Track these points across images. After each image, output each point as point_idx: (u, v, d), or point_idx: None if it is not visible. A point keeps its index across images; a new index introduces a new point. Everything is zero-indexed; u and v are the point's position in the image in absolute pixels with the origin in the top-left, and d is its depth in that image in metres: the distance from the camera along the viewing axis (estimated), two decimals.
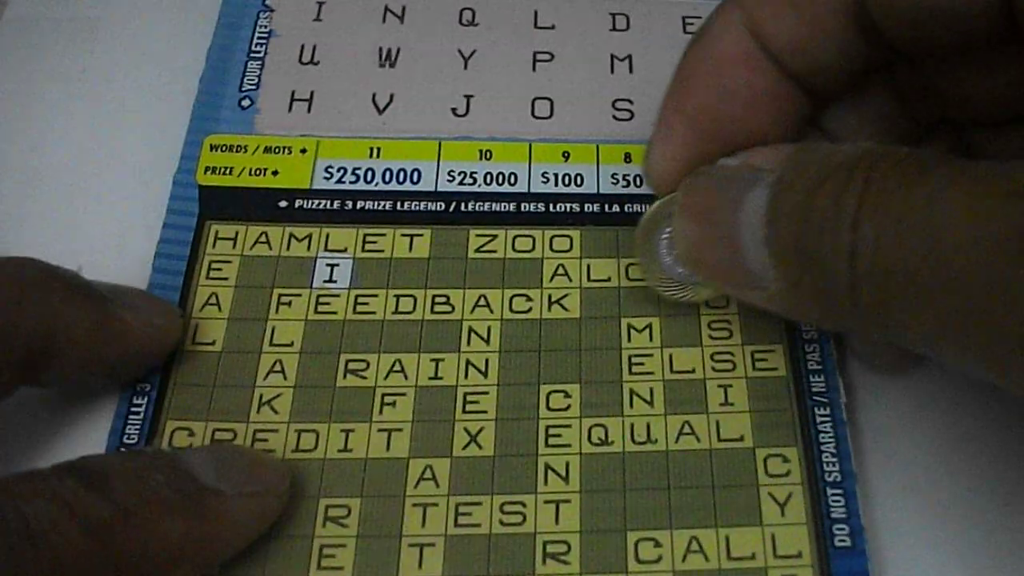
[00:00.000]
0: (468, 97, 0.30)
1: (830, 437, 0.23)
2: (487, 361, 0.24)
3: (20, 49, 0.31)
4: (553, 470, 0.23)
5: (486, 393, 0.24)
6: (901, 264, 0.16)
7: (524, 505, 0.22)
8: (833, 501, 0.22)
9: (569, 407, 0.24)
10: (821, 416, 0.23)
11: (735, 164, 0.20)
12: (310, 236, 0.27)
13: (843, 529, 0.22)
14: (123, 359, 0.23)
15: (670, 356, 0.24)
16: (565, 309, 0.25)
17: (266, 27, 0.31)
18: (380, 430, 0.23)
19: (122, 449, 0.23)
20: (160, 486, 0.20)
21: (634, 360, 0.24)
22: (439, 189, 0.27)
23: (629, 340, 0.25)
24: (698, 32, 0.22)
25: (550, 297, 0.25)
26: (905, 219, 0.16)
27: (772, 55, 0.20)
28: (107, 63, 0.31)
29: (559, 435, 0.23)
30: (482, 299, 0.25)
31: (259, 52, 0.30)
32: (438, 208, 0.27)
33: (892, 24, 0.19)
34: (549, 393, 0.24)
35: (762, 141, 0.21)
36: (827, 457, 0.23)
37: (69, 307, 0.22)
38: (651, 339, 0.25)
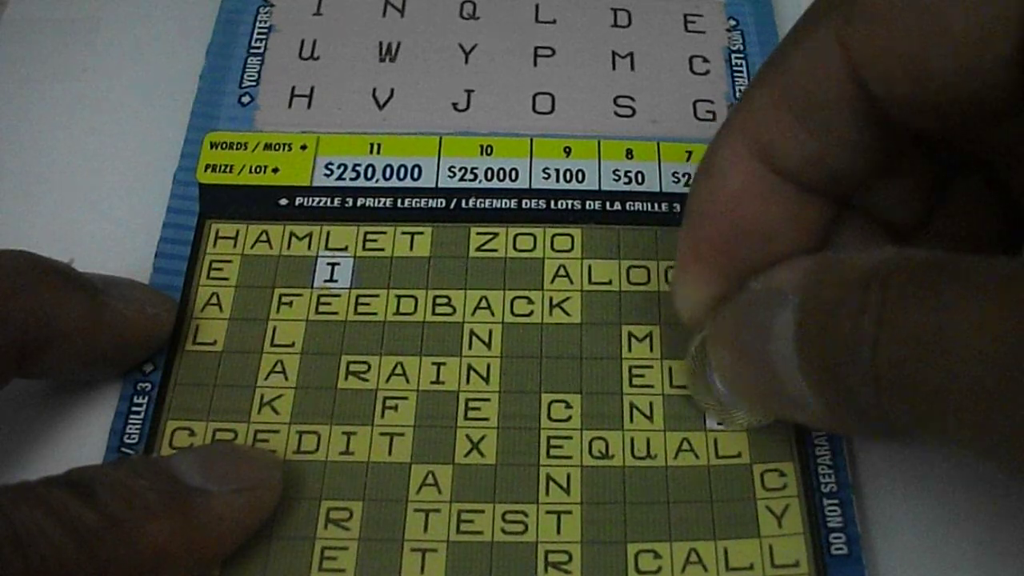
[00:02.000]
0: (469, 92, 0.29)
1: (826, 450, 0.23)
2: (488, 366, 0.24)
3: (20, 49, 0.30)
4: (554, 481, 0.23)
5: (488, 400, 0.24)
6: (923, 384, 0.16)
7: (526, 514, 0.22)
8: (829, 511, 0.22)
9: (570, 418, 0.24)
10: (816, 430, 0.23)
11: (759, 288, 0.20)
12: (311, 234, 0.26)
13: (840, 538, 0.22)
14: (117, 348, 0.23)
15: (670, 369, 0.24)
16: (567, 313, 0.25)
17: (266, 22, 0.31)
18: (382, 434, 0.23)
19: (123, 449, 0.23)
20: (144, 491, 0.20)
21: (635, 371, 0.24)
22: (440, 186, 0.27)
23: (630, 350, 0.24)
24: (704, 164, 0.21)
25: (551, 300, 0.25)
26: (921, 339, 0.15)
27: (787, 175, 0.20)
28: (107, 63, 0.30)
29: (560, 446, 0.23)
30: (483, 300, 0.25)
31: (259, 48, 0.30)
32: (439, 205, 0.27)
33: (908, 116, 0.18)
34: (550, 403, 0.24)
35: (788, 255, 0.20)
36: (823, 469, 0.23)
37: (61, 297, 0.22)
38: (651, 349, 0.24)
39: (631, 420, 0.23)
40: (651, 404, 0.24)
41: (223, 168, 0.27)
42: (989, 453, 0.16)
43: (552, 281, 0.25)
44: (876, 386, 0.16)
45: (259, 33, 0.30)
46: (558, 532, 0.22)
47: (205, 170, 0.27)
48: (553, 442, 0.23)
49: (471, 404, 0.24)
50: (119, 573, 0.19)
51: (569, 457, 0.23)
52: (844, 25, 0.18)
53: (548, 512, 0.22)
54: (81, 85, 0.30)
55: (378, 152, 0.28)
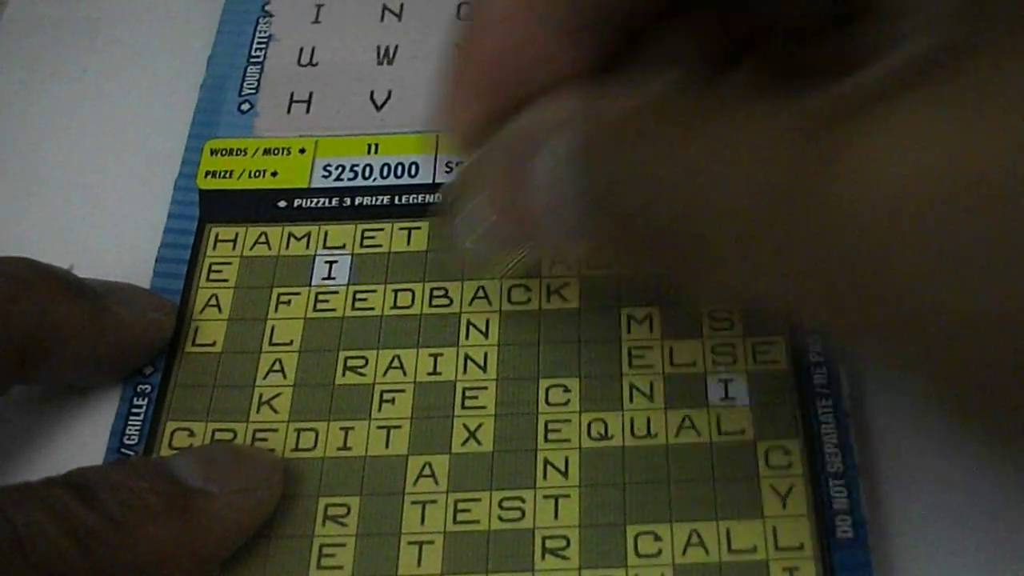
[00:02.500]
0: None
1: (832, 429, 0.23)
2: (486, 355, 0.24)
3: (20, 49, 0.31)
4: (552, 465, 0.23)
5: (485, 388, 0.24)
6: (702, 211, 0.15)
7: (523, 500, 0.22)
8: (835, 493, 0.22)
9: (568, 402, 0.23)
10: (823, 408, 0.23)
11: (535, 114, 0.19)
12: (309, 234, 0.27)
13: (845, 520, 0.21)
14: (118, 352, 0.24)
15: (670, 349, 0.24)
16: (564, 299, 0.25)
17: (266, 32, 0.31)
18: (379, 427, 0.23)
19: (122, 450, 0.23)
20: (145, 493, 0.20)
21: (634, 353, 0.24)
22: (436, 181, 0.27)
23: (629, 331, 0.24)
24: None
25: (549, 287, 0.25)
26: (696, 168, 0.15)
27: (554, 5, 0.19)
28: (107, 63, 0.31)
29: (558, 430, 0.23)
30: (480, 291, 0.25)
31: (259, 57, 0.31)
32: (436, 200, 0.27)
33: None
34: (548, 388, 0.24)
35: (563, 84, 0.20)
36: (829, 449, 0.22)
37: (61, 303, 0.22)
38: (651, 330, 0.24)
39: (631, 400, 0.23)
40: (651, 383, 0.23)
41: (223, 174, 0.28)
42: (758, 279, 0.16)
43: (550, 268, 0.25)
44: (653, 215, 0.16)
45: (259, 42, 0.31)
46: (556, 517, 0.22)
47: (205, 176, 0.28)
48: (551, 426, 0.23)
49: (468, 393, 0.24)
50: (119, 574, 0.19)
51: (567, 440, 0.23)
52: None
53: (545, 497, 0.22)
54: (81, 85, 0.30)
55: (376, 152, 0.28)
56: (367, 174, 0.28)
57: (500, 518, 0.22)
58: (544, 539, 0.22)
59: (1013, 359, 0.13)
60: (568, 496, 0.22)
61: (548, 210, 0.18)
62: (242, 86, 0.30)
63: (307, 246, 0.26)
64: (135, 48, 0.31)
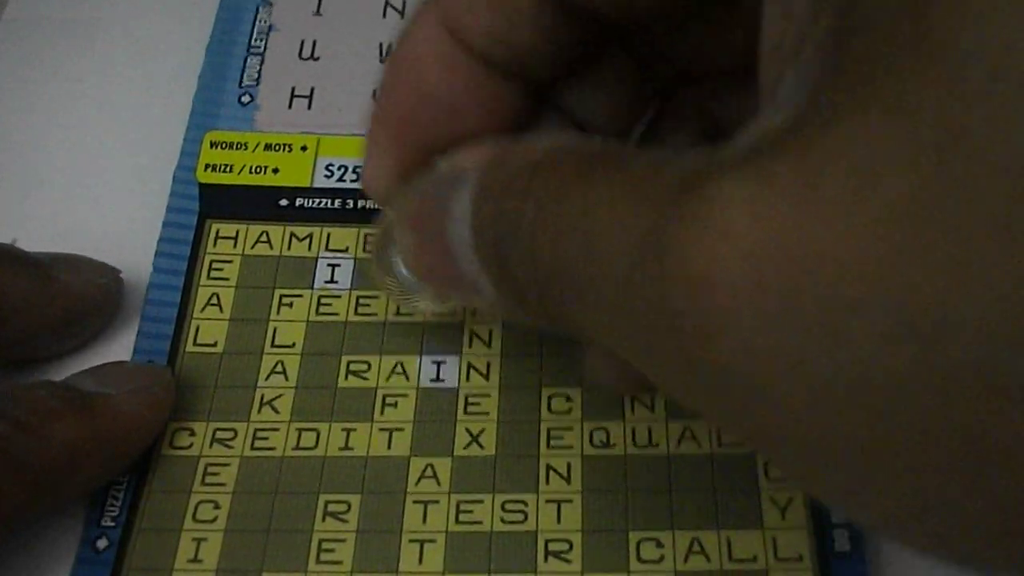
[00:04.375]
0: None
1: None
2: (488, 364, 0.26)
3: (20, 49, 0.32)
4: (555, 470, 0.24)
5: (488, 395, 0.25)
6: (571, 271, 0.16)
7: (526, 504, 0.24)
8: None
9: (570, 411, 0.25)
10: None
11: (443, 166, 0.20)
12: (311, 236, 0.28)
13: (843, 534, 0.23)
14: (67, 321, 0.26)
15: None
16: None
17: (266, 21, 0.32)
18: (381, 429, 0.25)
19: None
20: (47, 400, 0.22)
21: None
22: None
23: None
24: (399, 35, 0.21)
25: None
26: (573, 226, 0.16)
27: (475, 52, 0.20)
28: (107, 63, 0.32)
29: (560, 437, 0.25)
30: None
31: (259, 47, 0.32)
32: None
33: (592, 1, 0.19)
34: (550, 396, 0.25)
35: (478, 137, 0.21)
36: None
37: (7, 274, 0.24)
38: None
39: (632, 411, 0.25)
40: (652, 396, 0.25)
41: (223, 168, 0.29)
42: (619, 347, 0.16)
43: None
44: (535, 271, 0.17)
45: (259, 32, 0.32)
46: (558, 521, 0.24)
47: (205, 169, 0.29)
48: (553, 433, 0.25)
49: (471, 400, 0.25)
50: (37, 470, 0.22)
51: (570, 447, 0.25)
52: None
53: (548, 501, 0.24)
54: (81, 85, 0.32)
55: None
56: None
57: (503, 520, 0.24)
58: (547, 542, 0.23)
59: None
60: (571, 501, 0.24)
61: (455, 262, 0.19)
62: (242, 77, 0.31)
63: (309, 248, 0.28)
64: (135, 48, 0.33)
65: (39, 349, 0.26)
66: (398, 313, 0.27)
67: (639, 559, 0.23)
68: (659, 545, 0.23)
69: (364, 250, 0.27)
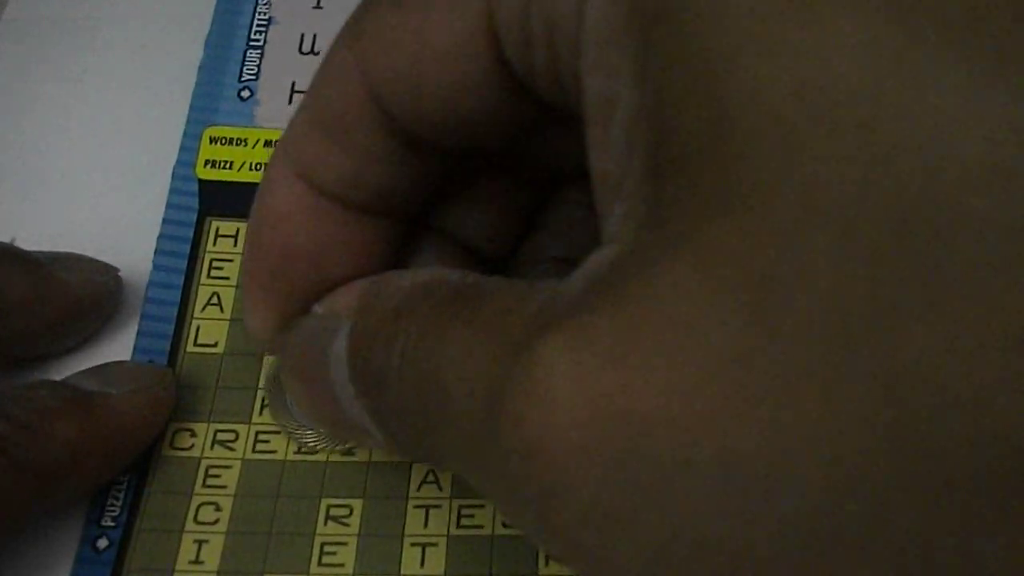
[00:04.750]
0: None
1: None
2: None
3: (20, 49, 0.33)
4: None
5: None
6: (431, 416, 0.16)
7: None
8: None
9: None
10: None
11: (320, 312, 0.20)
12: None
13: None
14: (65, 320, 0.26)
15: None
16: None
17: (266, 14, 0.32)
18: None
19: None
20: (48, 399, 0.23)
21: None
22: None
23: None
24: (259, 187, 0.21)
25: None
26: (429, 373, 0.16)
27: (330, 196, 0.20)
28: (107, 63, 0.32)
29: None
30: None
31: (259, 40, 0.32)
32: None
33: (426, 131, 0.18)
34: None
35: (352, 278, 0.20)
36: None
37: (3, 273, 0.24)
38: None
39: None
40: None
41: (223, 164, 0.29)
42: (482, 490, 0.16)
43: None
44: (403, 416, 0.17)
45: (259, 25, 0.32)
46: None
47: (204, 165, 0.29)
48: None
49: None
50: (37, 469, 0.22)
51: None
52: (355, 42, 0.18)
53: None
54: (81, 85, 0.32)
55: None
56: None
57: (504, 524, 0.24)
58: None
59: None
60: None
61: (340, 405, 0.19)
62: (241, 71, 0.31)
63: None
64: (135, 47, 0.33)
65: (38, 348, 0.26)
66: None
67: None
68: None
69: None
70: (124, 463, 0.24)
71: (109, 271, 0.27)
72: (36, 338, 0.26)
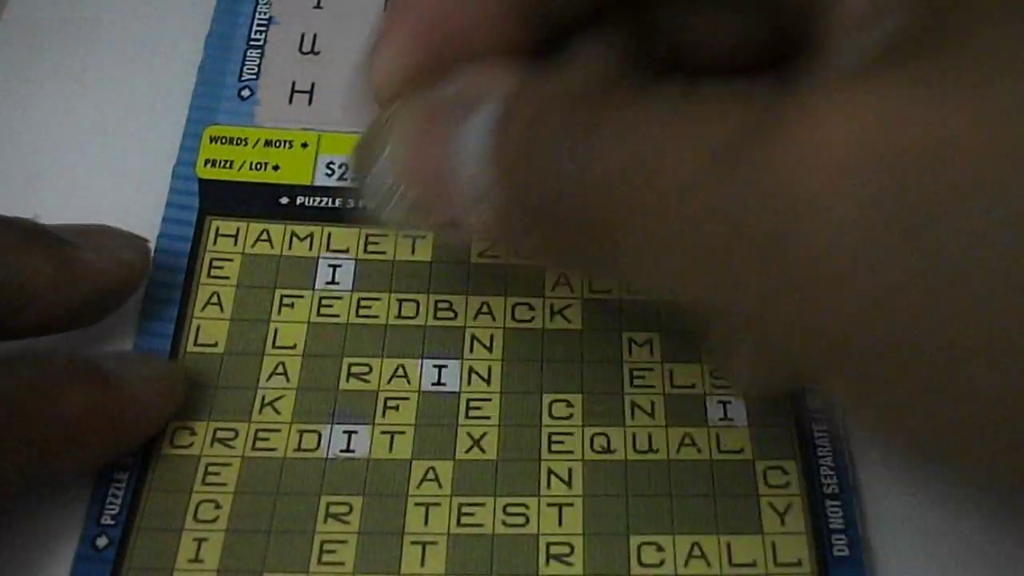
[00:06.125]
0: None
1: (827, 451, 0.26)
2: (490, 369, 0.27)
3: (20, 49, 0.34)
4: (556, 475, 0.26)
5: (489, 400, 0.27)
6: (622, 189, 0.17)
7: (527, 507, 0.25)
8: (831, 512, 0.25)
9: (571, 416, 0.27)
10: (819, 432, 0.26)
11: (455, 88, 0.21)
12: (312, 235, 0.29)
13: (841, 539, 0.25)
14: (90, 301, 0.26)
15: (670, 371, 0.27)
16: (567, 320, 0.28)
17: (266, 13, 0.34)
18: (383, 432, 0.26)
19: None
20: (62, 364, 0.24)
21: (635, 373, 0.27)
22: None
23: (630, 354, 0.28)
24: None
25: (552, 307, 0.28)
26: (636, 136, 0.17)
27: None
28: (107, 63, 0.33)
29: (562, 442, 0.26)
30: (484, 306, 0.28)
31: (259, 40, 0.33)
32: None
33: None
34: (551, 402, 0.27)
35: (495, 57, 0.21)
36: (825, 471, 0.26)
37: (28, 256, 0.24)
38: (652, 354, 0.28)
39: (632, 417, 0.27)
40: (652, 402, 0.27)
41: (223, 163, 0.30)
42: (664, 263, 0.17)
43: (552, 289, 0.28)
44: (579, 194, 0.18)
45: (259, 24, 0.33)
46: (560, 524, 0.25)
47: (205, 165, 0.30)
48: (554, 438, 0.26)
49: (472, 404, 0.27)
50: (47, 433, 0.22)
51: (570, 452, 0.26)
52: None
53: (549, 505, 0.25)
54: (81, 85, 0.33)
55: None
56: None
57: (504, 523, 0.25)
58: (548, 545, 0.25)
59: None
60: (572, 505, 0.25)
61: (460, 178, 0.20)
62: (242, 70, 0.33)
63: (310, 247, 0.29)
64: (135, 47, 0.34)
65: (59, 329, 0.26)
66: (399, 315, 0.28)
67: (640, 563, 0.24)
68: (659, 549, 0.25)
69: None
70: (127, 447, 0.25)
71: (136, 246, 0.27)
72: (59, 322, 0.26)
